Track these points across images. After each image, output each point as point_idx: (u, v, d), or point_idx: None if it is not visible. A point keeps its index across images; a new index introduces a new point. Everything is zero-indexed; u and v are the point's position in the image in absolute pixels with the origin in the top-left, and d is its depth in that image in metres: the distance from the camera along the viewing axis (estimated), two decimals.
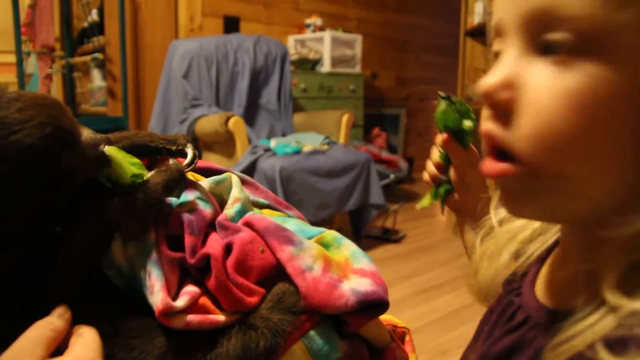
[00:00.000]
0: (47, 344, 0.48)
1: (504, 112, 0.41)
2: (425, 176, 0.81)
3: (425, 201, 0.83)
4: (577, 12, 0.35)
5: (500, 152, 0.42)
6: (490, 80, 0.41)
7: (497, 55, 0.44)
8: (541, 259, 0.56)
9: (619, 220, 0.37)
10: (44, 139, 0.52)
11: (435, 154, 0.81)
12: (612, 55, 0.35)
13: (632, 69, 0.35)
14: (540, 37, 0.38)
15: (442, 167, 0.81)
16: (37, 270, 0.55)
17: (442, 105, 0.75)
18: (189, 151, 0.70)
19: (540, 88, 0.38)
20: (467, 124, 0.74)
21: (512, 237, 0.59)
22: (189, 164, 0.69)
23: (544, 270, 0.54)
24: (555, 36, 0.37)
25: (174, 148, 0.70)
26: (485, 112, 0.43)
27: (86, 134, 0.59)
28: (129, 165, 0.61)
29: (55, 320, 0.51)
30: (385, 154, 4.84)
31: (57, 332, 0.50)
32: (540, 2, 0.37)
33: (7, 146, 0.51)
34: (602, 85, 0.35)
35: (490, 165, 0.43)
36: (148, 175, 0.62)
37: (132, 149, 0.67)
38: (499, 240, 0.60)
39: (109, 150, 0.61)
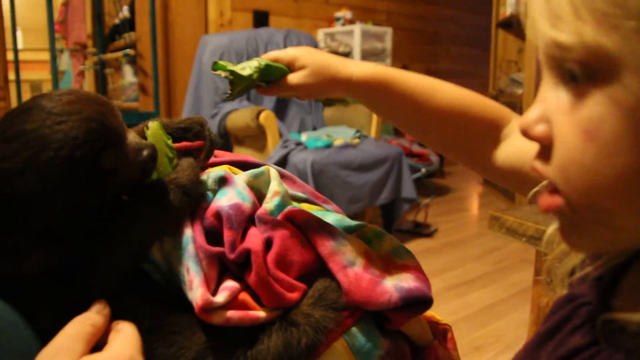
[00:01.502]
0: (87, 339, 0.48)
1: (545, 146, 0.40)
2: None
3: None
4: (571, 42, 0.35)
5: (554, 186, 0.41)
6: (528, 115, 0.41)
7: None
8: (620, 266, 0.48)
9: None
10: (88, 133, 0.52)
11: None
12: (618, 80, 0.34)
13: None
14: (561, 69, 0.38)
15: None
16: (80, 267, 0.55)
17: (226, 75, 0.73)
18: (206, 136, 0.70)
19: (562, 121, 0.38)
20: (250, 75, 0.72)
21: None
22: (206, 155, 0.69)
23: (630, 282, 0.47)
24: (568, 66, 0.36)
25: (190, 135, 0.69)
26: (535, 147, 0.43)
27: (132, 137, 0.59)
28: (166, 147, 0.60)
29: (94, 315, 0.51)
30: (416, 148, 4.79)
31: (96, 328, 0.50)
32: (547, 37, 0.37)
33: (50, 135, 0.51)
34: (614, 114, 0.34)
35: (542, 199, 0.42)
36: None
37: None
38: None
39: (152, 126, 0.60)
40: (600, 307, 0.45)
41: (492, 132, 0.72)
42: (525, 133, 0.41)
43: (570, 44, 0.35)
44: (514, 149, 0.70)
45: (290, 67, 0.74)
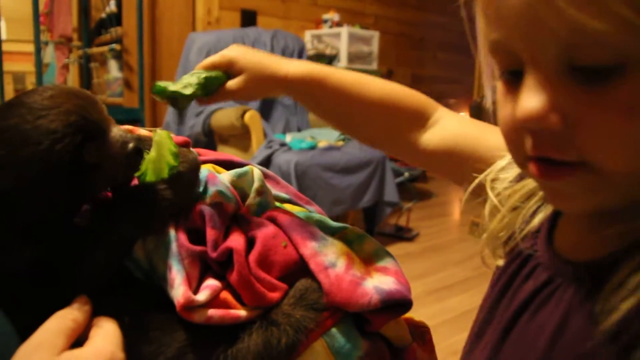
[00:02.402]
0: (67, 335, 0.48)
1: (554, 133, 0.39)
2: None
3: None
4: (610, 31, 0.34)
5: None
6: (530, 105, 0.39)
7: (502, 69, 0.43)
8: (553, 216, 0.53)
9: None
10: (67, 126, 0.52)
11: None
12: None
13: None
14: (575, 63, 0.37)
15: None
16: (63, 264, 0.55)
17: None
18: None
19: (590, 106, 0.37)
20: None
21: (511, 195, 0.58)
22: None
23: (565, 226, 0.51)
24: (591, 62, 0.36)
25: None
26: (529, 140, 0.42)
27: (116, 131, 0.58)
28: (169, 155, 0.60)
29: (75, 311, 0.51)
30: None
31: (77, 324, 0.50)
32: (569, 25, 0.35)
33: (31, 130, 0.51)
34: None
35: (547, 172, 0.41)
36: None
37: None
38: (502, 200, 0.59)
39: (160, 133, 0.60)
40: (545, 253, 0.50)
41: (420, 120, 0.77)
42: (534, 123, 0.39)
43: (608, 32, 0.34)
44: (447, 132, 0.75)
45: (228, 71, 0.75)
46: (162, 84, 0.73)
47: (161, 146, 0.60)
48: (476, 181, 0.64)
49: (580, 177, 0.40)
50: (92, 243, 0.56)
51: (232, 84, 0.74)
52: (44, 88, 0.55)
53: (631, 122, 0.36)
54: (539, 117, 0.39)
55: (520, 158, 0.44)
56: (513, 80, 0.42)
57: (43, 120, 0.51)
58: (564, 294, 0.46)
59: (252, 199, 0.67)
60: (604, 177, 0.39)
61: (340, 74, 0.77)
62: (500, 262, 0.57)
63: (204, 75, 0.73)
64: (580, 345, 0.42)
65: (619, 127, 0.37)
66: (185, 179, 0.62)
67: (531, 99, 0.39)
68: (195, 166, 0.65)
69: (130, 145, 0.58)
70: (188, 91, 0.72)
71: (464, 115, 0.83)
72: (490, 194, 0.59)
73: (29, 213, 0.53)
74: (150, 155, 0.59)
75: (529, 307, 0.49)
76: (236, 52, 0.75)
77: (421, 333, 0.74)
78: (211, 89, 0.75)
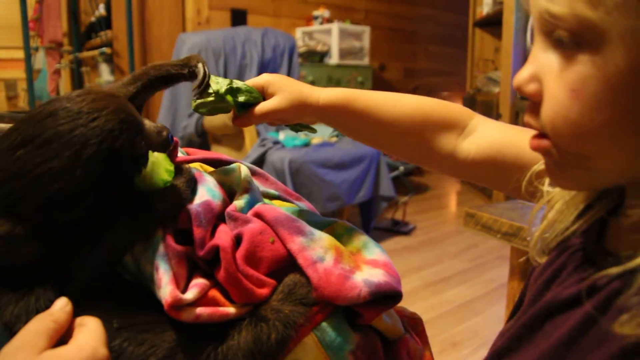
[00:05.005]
0: (49, 335, 0.49)
1: (535, 102, 0.46)
2: None
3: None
4: (564, 13, 0.40)
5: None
6: (520, 74, 0.46)
7: None
8: (607, 213, 0.55)
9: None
10: (120, 123, 0.56)
11: None
12: (601, 48, 0.39)
13: (619, 60, 0.39)
14: (552, 35, 0.43)
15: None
16: (60, 265, 0.55)
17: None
18: (200, 70, 0.73)
19: (551, 80, 0.43)
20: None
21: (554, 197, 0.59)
22: (198, 85, 0.73)
23: (615, 225, 0.52)
24: (558, 34, 0.41)
25: (186, 72, 0.74)
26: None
27: (147, 122, 0.62)
28: (164, 172, 0.62)
29: (56, 312, 0.51)
30: None
31: (59, 324, 0.50)
32: (541, 7, 0.42)
33: (87, 132, 0.53)
34: (597, 77, 0.40)
35: (532, 141, 0.48)
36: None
37: (153, 83, 0.73)
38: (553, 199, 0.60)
39: (155, 157, 0.62)
40: (594, 250, 0.51)
41: (455, 129, 0.77)
42: (519, 90, 0.46)
43: (562, 15, 0.40)
44: (486, 140, 0.74)
45: (262, 93, 0.76)
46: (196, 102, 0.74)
47: (157, 166, 0.61)
48: (525, 178, 0.63)
49: (550, 154, 0.47)
50: (89, 248, 0.57)
51: (267, 104, 0.75)
52: (79, 94, 0.57)
53: (573, 102, 0.41)
54: (520, 84, 0.46)
55: None
56: None
57: (98, 122, 0.54)
58: (606, 286, 0.46)
59: (239, 196, 0.67)
60: (559, 152, 0.46)
61: (369, 96, 0.78)
62: (543, 259, 0.58)
63: (241, 83, 0.74)
64: (606, 337, 0.42)
65: (564, 103, 0.42)
66: (178, 191, 0.62)
67: (524, 69, 0.46)
68: (190, 179, 0.66)
69: (164, 133, 0.64)
70: (219, 87, 0.73)
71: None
72: (545, 193, 0.60)
73: (82, 212, 0.56)
74: (146, 174, 0.60)
75: (573, 296, 0.49)
76: (269, 77, 0.77)
77: (414, 324, 0.74)
78: (242, 99, 0.74)
